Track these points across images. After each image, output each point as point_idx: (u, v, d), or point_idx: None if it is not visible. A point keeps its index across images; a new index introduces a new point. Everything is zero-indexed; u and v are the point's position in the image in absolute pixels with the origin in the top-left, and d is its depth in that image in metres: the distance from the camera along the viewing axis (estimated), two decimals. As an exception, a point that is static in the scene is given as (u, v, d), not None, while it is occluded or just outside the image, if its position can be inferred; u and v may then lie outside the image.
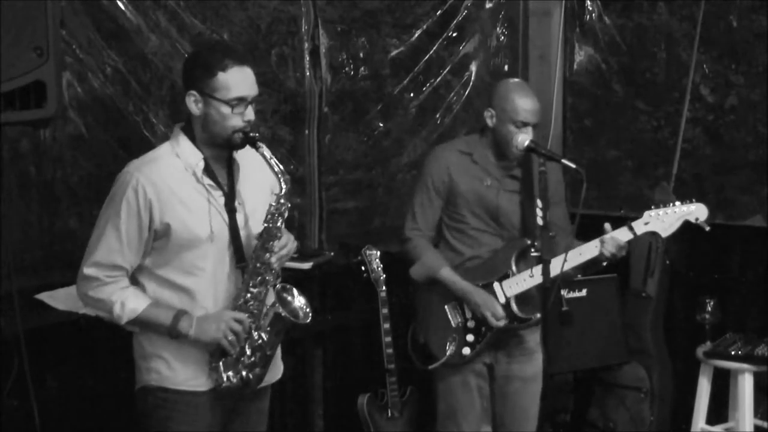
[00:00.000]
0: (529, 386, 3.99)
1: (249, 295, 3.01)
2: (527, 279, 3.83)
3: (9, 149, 3.90)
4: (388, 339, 4.49)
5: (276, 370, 3.23)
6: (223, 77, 2.93)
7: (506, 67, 5.83)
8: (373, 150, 5.35)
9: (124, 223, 2.94)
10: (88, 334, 3.53)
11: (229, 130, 2.96)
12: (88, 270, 2.98)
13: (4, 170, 3.83)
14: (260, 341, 3.03)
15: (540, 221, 3.67)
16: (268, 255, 3.00)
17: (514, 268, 3.87)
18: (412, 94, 5.45)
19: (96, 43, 4.16)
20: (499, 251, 3.92)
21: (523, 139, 3.78)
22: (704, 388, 4.80)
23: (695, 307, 4.94)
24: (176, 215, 2.96)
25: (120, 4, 4.23)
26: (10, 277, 3.18)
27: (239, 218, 3.04)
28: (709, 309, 4.87)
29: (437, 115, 5.55)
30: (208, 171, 3.01)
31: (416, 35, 5.41)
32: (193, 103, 2.97)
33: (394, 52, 5.35)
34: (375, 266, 4.53)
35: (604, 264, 3.80)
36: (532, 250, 3.86)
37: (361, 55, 5.23)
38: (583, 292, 4.92)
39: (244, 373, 3.02)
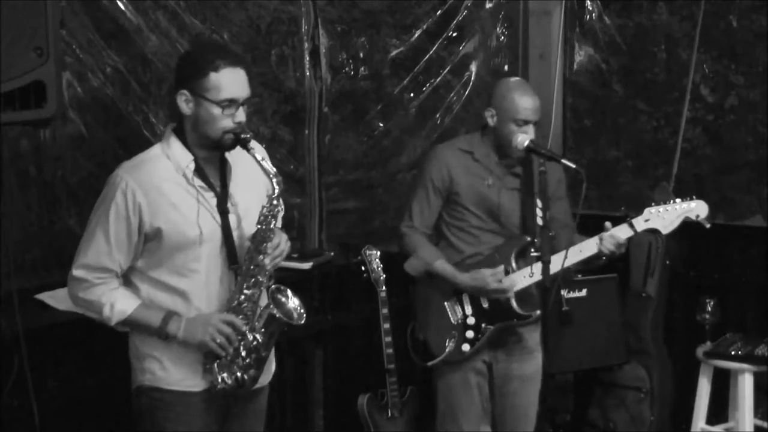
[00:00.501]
0: (528, 386, 3.99)
1: (242, 297, 3.00)
2: (527, 277, 3.83)
3: (9, 149, 3.89)
4: (388, 339, 4.50)
5: (268, 373, 3.21)
6: (215, 77, 2.91)
7: (506, 67, 5.82)
8: (373, 150, 5.35)
9: (113, 226, 2.93)
10: (88, 334, 3.53)
11: (219, 131, 2.94)
12: (77, 272, 2.98)
13: (4, 170, 3.83)
14: (255, 343, 3.02)
15: (540, 221, 3.67)
16: (261, 257, 2.99)
17: (514, 264, 3.87)
18: (412, 94, 5.45)
19: (96, 43, 4.16)
20: (499, 248, 3.92)
21: (523, 139, 3.78)
22: (704, 388, 4.80)
23: (695, 307, 4.93)
24: (167, 218, 2.95)
25: (120, 4, 4.22)
26: (10, 277, 3.19)
27: (232, 219, 3.02)
28: (709, 309, 4.87)
29: (437, 115, 5.54)
30: (199, 172, 2.99)
31: (416, 35, 5.40)
32: (184, 103, 2.96)
33: (394, 52, 5.35)
34: (375, 266, 4.54)
35: (603, 259, 3.79)
36: (532, 249, 3.86)
37: (361, 55, 5.23)
38: (583, 292, 4.92)
39: (239, 374, 3.01)
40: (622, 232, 3.74)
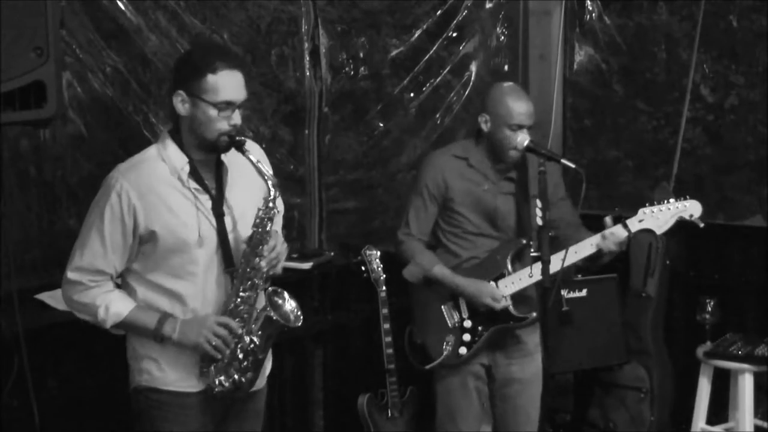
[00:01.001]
0: (529, 388, 3.99)
1: (239, 299, 2.99)
2: (524, 278, 3.84)
3: (9, 149, 3.89)
4: (388, 339, 4.50)
5: (263, 377, 3.20)
6: (212, 79, 2.90)
7: (506, 67, 5.83)
8: (373, 150, 5.35)
9: (108, 228, 2.93)
10: (88, 334, 3.51)
11: (214, 133, 2.93)
12: (71, 274, 2.97)
13: (4, 170, 3.83)
14: (252, 345, 3.01)
15: (540, 221, 3.67)
16: (257, 259, 2.97)
17: (509, 267, 3.87)
18: (412, 94, 5.45)
19: (96, 43, 4.16)
20: (495, 251, 3.93)
21: (522, 139, 3.79)
22: (704, 388, 4.80)
23: (695, 307, 4.93)
24: (162, 220, 2.94)
25: (120, 4, 4.22)
26: (10, 277, 3.18)
27: (227, 222, 3.00)
28: (709, 309, 4.87)
29: (437, 115, 5.54)
30: (194, 175, 2.98)
31: (416, 35, 5.40)
32: (180, 103, 2.94)
33: (394, 52, 5.35)
34: (375, 266, 4.54)
35: (604, 258, 3.80)
36: (531, 249, 3.87)
37: (361, 55, 5.23)
38: (583, 292, 4.92)
39: (236, 377, 3.00)
40: (617, 232, 3.75)
